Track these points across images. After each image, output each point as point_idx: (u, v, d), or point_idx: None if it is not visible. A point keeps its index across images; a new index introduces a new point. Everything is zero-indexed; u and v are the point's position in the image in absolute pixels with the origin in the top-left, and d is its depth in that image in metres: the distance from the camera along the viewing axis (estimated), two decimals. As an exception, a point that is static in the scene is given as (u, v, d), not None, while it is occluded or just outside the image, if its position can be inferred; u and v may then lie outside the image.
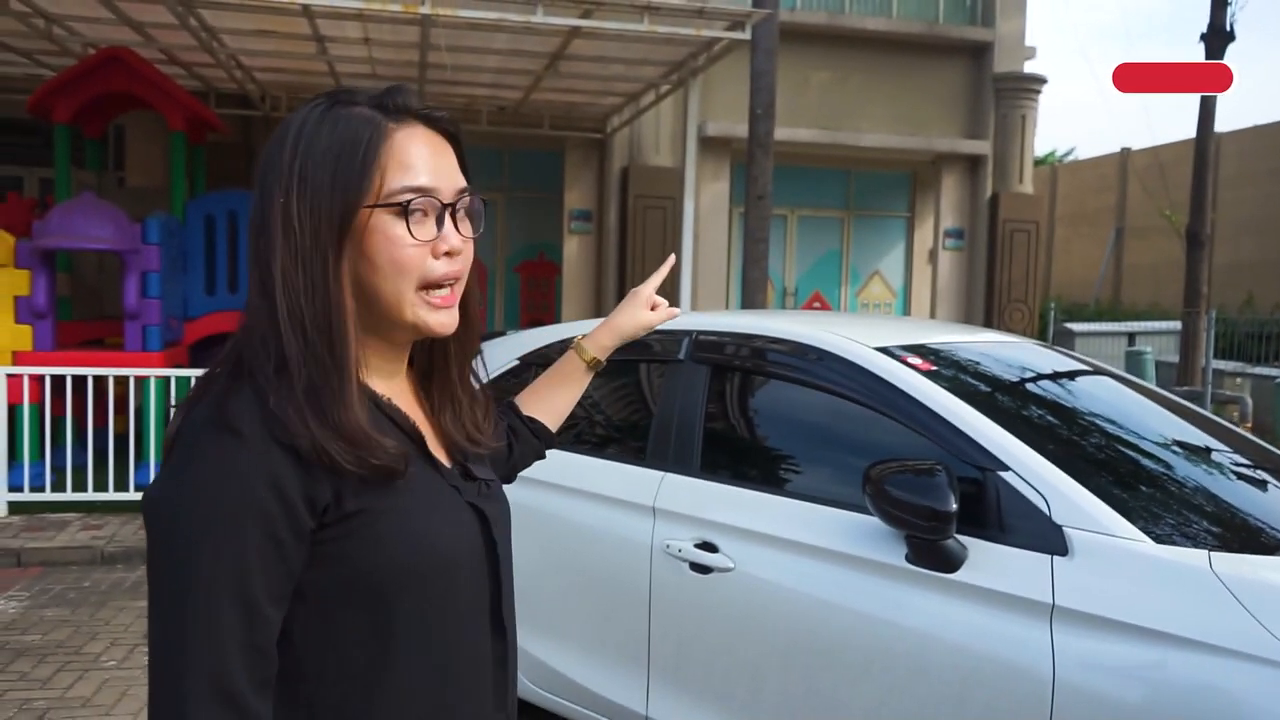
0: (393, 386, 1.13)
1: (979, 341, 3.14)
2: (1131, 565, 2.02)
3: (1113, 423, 2.86)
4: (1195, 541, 2.15)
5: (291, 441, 0.96)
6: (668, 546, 2.76)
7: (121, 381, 6.75)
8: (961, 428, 2.37)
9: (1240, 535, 2.32)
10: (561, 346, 3.85)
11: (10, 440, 6.55)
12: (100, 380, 6.64)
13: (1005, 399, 2.83)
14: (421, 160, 1.05)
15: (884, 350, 2.68)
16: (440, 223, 1.06)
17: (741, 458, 2.99)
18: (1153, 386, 3.27)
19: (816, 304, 12.83)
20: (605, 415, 3.46)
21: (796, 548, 2.50)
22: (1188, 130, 13.63)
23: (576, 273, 11.64)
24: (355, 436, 0.98)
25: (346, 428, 0.98)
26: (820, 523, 2.48)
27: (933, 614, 2.20)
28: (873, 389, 2.58)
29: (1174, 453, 2.77)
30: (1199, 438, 2.85)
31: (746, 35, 7.73)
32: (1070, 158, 29.58)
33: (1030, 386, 2.98)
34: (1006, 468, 2.25)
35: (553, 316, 11.89)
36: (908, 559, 2.23)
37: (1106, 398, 2.99)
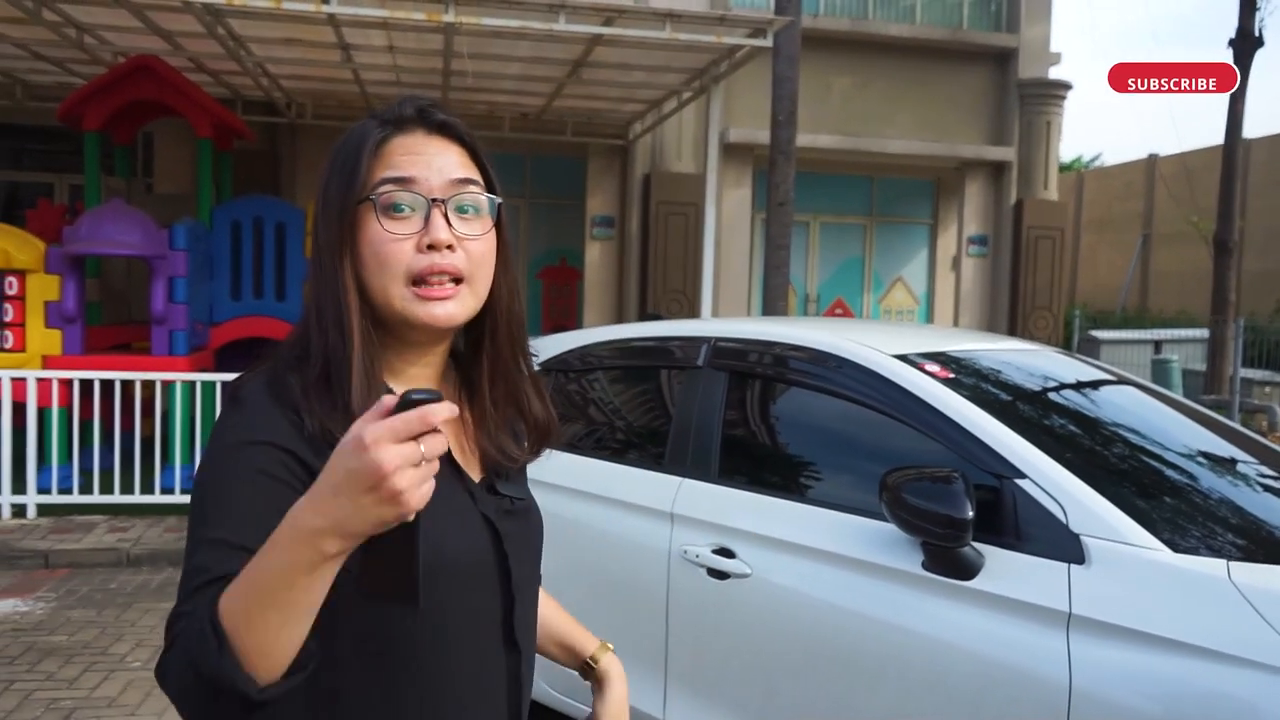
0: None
1: (999, 349, 3.13)
2: (1149, 574, 2.01)
3: (1133, 431, 2.83)
4: (1215, 551, 2.13)
5: (299, 415, 1.02)
6: (685, 552, 2.77)
7: (148, 385, 6.83)
8: (978, 435, 2.36)
9: (1263, 546, 2.30)
10: (582, 353, 3.85)
11: (39, 443, 6.65)
12: (128, 384, 6.72)
13: (1024, 407, 2.82)
14: (407, 156, 1.09)
15: (902, 357, 2.68)
16: (428, 216, 1.07)
17: (759, 464, 2.99)
18: (1176, 396, 3.24)
19: (839, 310, 12.80)
20: (624, 421, 3.47)
21: (813, 554, 2.50)
22: (1216, 136, 13.48)
23: (598, 278, 11.68)
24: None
25: (352, 415, 1.00)
26: (837, 529, 2.48)
27: (949, 621, 2.20)
28: (890, 396, 2.58)
29: (1195, 462, 2.75)
30: (1222, 447, 2.83)
31: (768, 42, 7.72)
32: (1097, 163, 29.38)
33: (1050, 395, 2.97)
34: (1024, 475, 2.24)
35: (574, 322, 11.92)
36: (924, 566, 2.23)
37: (1128, 406, 2.97)
